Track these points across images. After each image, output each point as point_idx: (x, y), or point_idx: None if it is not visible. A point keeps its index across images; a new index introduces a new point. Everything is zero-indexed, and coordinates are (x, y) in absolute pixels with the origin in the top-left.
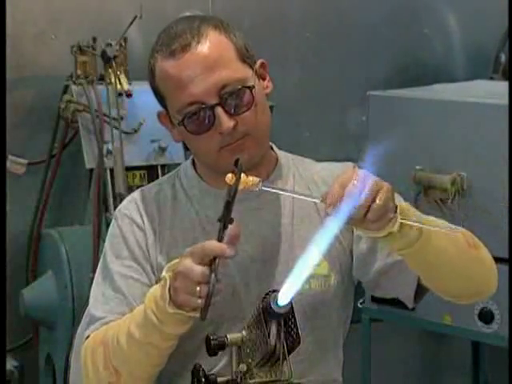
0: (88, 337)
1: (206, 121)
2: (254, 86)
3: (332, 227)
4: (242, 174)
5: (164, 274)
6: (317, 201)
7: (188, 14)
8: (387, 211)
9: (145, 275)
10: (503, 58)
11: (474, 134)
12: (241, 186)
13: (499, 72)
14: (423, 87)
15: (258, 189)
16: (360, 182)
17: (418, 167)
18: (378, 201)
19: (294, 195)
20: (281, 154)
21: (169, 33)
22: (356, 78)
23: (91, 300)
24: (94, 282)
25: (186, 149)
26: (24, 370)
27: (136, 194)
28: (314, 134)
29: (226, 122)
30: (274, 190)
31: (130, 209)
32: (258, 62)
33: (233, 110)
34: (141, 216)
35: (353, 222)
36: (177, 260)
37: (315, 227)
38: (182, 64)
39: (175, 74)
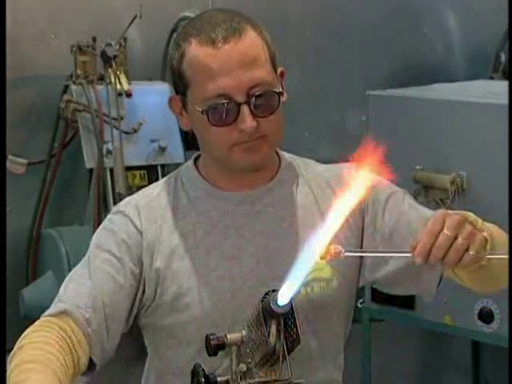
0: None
1: (230, 116)
2: (282, 93)
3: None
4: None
5: None
6: (408, 255)
7: (188, 13)
8: (479, 260)
9: (122, 274)
10: (503, 57)
11: (474, 134)
12: (327, 257)
13: (499, 72)
14: (423, 87)
15: (342, 255)
16: (451, 230)
17: (417, 167)
18: (471, 251)
19: (384, 254)
20: (284, 155)
21: (209, 20)
22: (356, 78)
23: (70, 274)
24: (81, 262)
25: (186, 148)
26: None
27: (137, 196)
28: (314, 134)
29: (250, 122)
30: (358, 254)
31: (129, 209)
32: (279, 70)
33: (258, 112)
34: (140, 219)
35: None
36: None
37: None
38: (221, 55)
39: (211, 63)
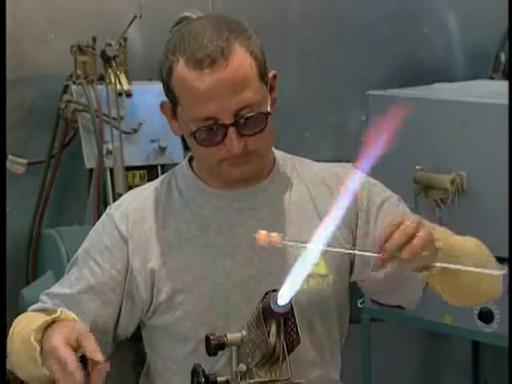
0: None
1: (217, 137)
2: (270, 113)
3: (330, 227)
4: (263, 232)
5: (32, 338)
6: (375, 255)
7: (188, 13)
8: (429, 265)
9: (101, 281)
10: (503, 57)
11: (474, 134)
12: (263, 242)
13: (499, 72)
14: (423, 87)
15: (281, 244)
16: (410, 227)
17: (417, 167)
18: (424, 252)
19: (352, 251)
20: (278, 154)
21: (196, 36)
22: (356, 78)
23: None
24: (70, 266)
25: (186, 149)
26: None
27: (130, 197)
28: (314, 134)
29: (237, 144)
30: (300, 245)
31: (118, 213)
32: (271, 74)
33: (245, 131)
34: (127, 222)
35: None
36: (43, 323)
37: (313, 228)
38: (208, 80)
39: (197, 87)
